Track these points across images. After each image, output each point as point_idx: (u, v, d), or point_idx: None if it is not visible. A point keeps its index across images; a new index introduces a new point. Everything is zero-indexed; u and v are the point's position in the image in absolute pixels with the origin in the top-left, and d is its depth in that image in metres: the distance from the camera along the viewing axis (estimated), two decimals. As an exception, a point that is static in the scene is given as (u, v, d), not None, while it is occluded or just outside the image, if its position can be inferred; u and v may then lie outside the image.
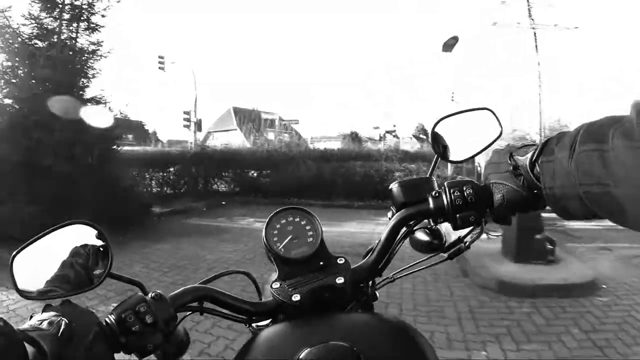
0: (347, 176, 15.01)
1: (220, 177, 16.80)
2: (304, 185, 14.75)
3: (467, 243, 0.98)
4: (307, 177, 15.04)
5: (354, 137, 18.46)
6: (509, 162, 0.87)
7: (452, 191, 0.90)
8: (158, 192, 15.22)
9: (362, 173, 15.01)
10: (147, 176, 15.39)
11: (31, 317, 0.71)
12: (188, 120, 25.67)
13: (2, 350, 0.57)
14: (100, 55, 9.53)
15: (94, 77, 9.54)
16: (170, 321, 0.80)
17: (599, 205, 0.66)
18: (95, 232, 0.86)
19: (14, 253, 0.81)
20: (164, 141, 20.01)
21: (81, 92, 9.32)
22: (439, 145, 1.04)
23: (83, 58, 9.32)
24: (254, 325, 0.95)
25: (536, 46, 17.11)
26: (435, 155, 1.04)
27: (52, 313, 0.71)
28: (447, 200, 0.90)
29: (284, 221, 1.01)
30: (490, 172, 0.91)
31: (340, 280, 0.91)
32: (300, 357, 0.70)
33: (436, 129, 1.05)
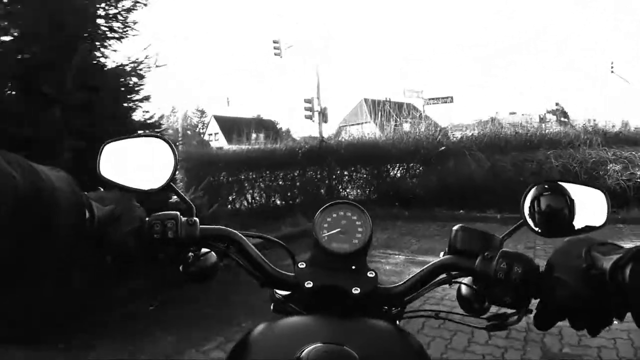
0: (539, 172, 9.49)
1: (350, 178, 11.80)
2: (473, 187, 9.71)
3: (505, 323, 0.90)
4: (476, 175, 9.98)
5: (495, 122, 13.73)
6: (583, 257, 0.75)
7: (500, 261, 0.83)
8: (261, 205, 10.90)
9: (561, 166, 9.59)
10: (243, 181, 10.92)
11: (96, 190, 0.88)
12: (310, 110, 21.55)
13: (71, 205, 0.71)
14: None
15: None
16: (191, 245, 0.94)
17: None
18: (167, 146, 1.00)
19: (105, 143, 0.99)
20: (297, 138, 17.73)
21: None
22: (532, 210, 0.94)
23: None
24: (275, 291, 1.02)
25: None
26: (521, 220, 0.94)
27: (113, 195, 0.88)
28: (493, 268, 0.84)
29: (341, 213, 1.03)
30: (557, 263, 0.79)
31: (356, 290, 0.91)
32: (304, 352, 0.70)
33: (535, 189, 0.96)
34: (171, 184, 0.99)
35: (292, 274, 0.96)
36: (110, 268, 0.88)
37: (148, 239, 0.89)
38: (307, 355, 0.68)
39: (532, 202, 0.95)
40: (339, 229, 1.00)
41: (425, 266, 0.95)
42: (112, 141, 1.01)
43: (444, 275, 0.96)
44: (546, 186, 0.96)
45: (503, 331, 0.92)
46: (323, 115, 20.68)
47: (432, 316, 1.01)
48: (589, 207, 0.95)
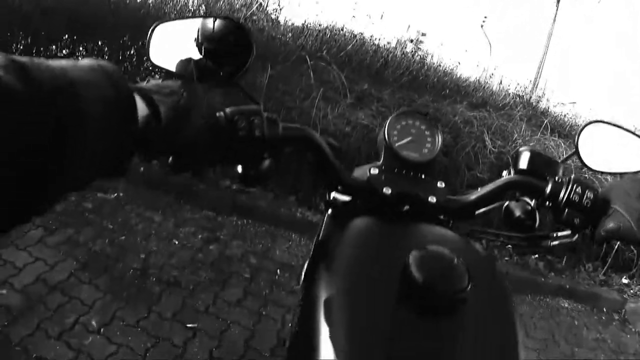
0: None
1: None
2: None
3: (553, 243, 0.99)
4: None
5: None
6: None
7: (574, 186, 0.88)
8: None
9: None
10: None
11: (148, 80, 0.72)
12: None
13: (110, 104, 0.53)
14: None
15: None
16: (272, 145, 0.82)
17: None
18: (242, 32, 0.89)
19: (154, 25, 0.87)
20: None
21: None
22: (584, 144, 1.04)
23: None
24: (333, 194, 1.00)
25: None
26: (574, 150, 1.05)
27: (174, 83, 0.72)
28: (564, 191, 0.89)
29: (410, 122, 1.04)
30: (616, 197, 0.87)
31: (432, 199, 0.93)
32: (412, 256, 0.69)
33: (587, 128, 1.06)
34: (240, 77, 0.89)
35: (364, 179, 0.96)
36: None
37: (230, 136, 0.76)
38: (419, 258, 0.68)
39: (585, 137, 1.05)
40: (410, 138, 1.02)
41: (494, 182, 0.97)
42: (163, 22, 0.91)
43: (508, 193, 1.00)
44: (597, 125, 1.06)
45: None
46: None
47: (481, 236, 1.09)
48: (630, 152, 1.06)
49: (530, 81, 9.29)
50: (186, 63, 0.85)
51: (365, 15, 7.41)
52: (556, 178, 0.91)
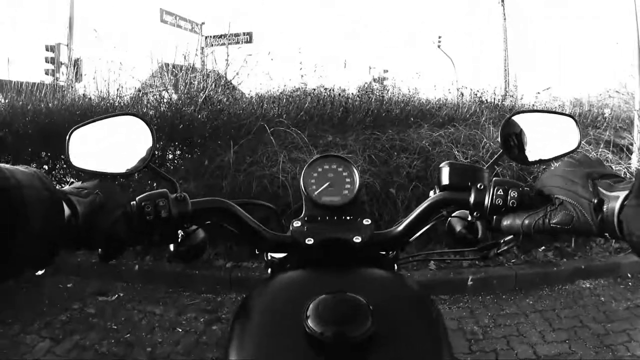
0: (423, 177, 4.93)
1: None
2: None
3: (501, 249, 0.99)
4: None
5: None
6: (590, 190, 0.77)
7: (496, 189, 0.86)
8: None
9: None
10: None
11: (71, 183, 0.80)
12: (52, 60, 14.93)
13: (44, 203, 0.62)
14: None
15: None
16: (184, 222, 0.89)
17: None
18: (144, 124, 0.99)
19: (72, 130, 0.94)
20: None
21: None
22: (509, 139, 1.03)
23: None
24: (269, 255, 1.03)
25: None
26: (501, 150, 1.04)
27: (91, 184, 0.80)
28: (488, 197, 0.86)
29: (326, 167, 1.04)
30: (556, 186, 0.82)
31: (357, 239, 0.92)
32: (311, 305, 0.70)
33: (510, 122, 1.05)
34: (150, 163, 0.98)
35: (288, 234, 0.96)
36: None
37: (139, 222, 0.83)
38: (315, 307, 0.70)
39: (507, 134, 1.04)
40: (327, 183, 1.02)
41: (419, 206, 0.95)
42: (79, 126, 0.97)
43: (439, 214, 1.00)
44: (517, 117, 1.05)
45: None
46: (75, 71, 10.10)
47: (428, 258, 1.24)
48: (560, 133, 1.05)
49: (495, 87, 9.23)
50: (104, 161, 0.97)
51: (313, 71, 7.69)
52: (478, 185, 0.89)
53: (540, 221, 0.82)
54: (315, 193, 1.01)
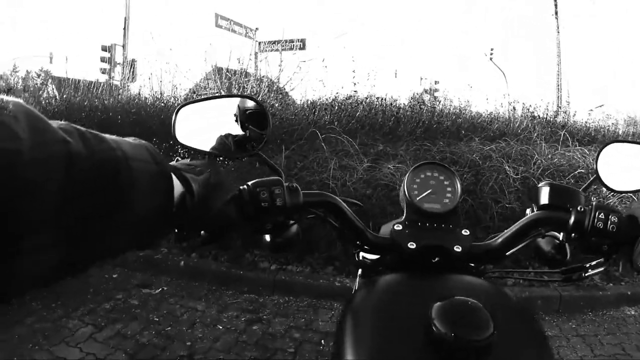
0: (474, 191, 4.71)
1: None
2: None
3: (588, 274, 0.97)
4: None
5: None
6: None
7: (597, 213, 0.88)
8: None
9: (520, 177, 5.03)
10: None
11: (177, 159, 0.77)
12: (108, 60, 15.70)
13: (153, 178, 0.59)
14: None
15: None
16: (295, 212, 0.89)
17: None
18: (259, 107, 0.98)
19: (180, 106, 0.93)
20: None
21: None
22: (603, 167, 1.04)
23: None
24: (362, 254, 1.03)
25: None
26: (595, 176, 1.05)
27: (200, 162, 0.77)
28: (588, 220, 0.88)
29: (428, 174, 1.04)
30: None
31: (458, 248, 0.92)
32: (436, 307, 0.70)
33: (605, 150, 1.05)
34: (259, 151, 0.97)
35: (387, 236, 0.97)
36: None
37: (253, 207, 0.83)
38: (443, 309, 0.70)
39: (604, 160, 1.05)
40: (429, 190, 1.02)
41: (518, 223, 0.96)
42: (188, 103, 0.96)
43: (534, 231, 0.99)
44: (614, 145, 1.06)
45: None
46: (131, 70, 10.32)
47: (511, 277, 0.37)
48: None
49: (548, 102, 9.10)
50: (224, 138, 0.96)
51: (366, 79, 7.62)
52: (578, 207, 0.90)
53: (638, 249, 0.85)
54: (417, 199, 1.01)
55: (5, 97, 0.45)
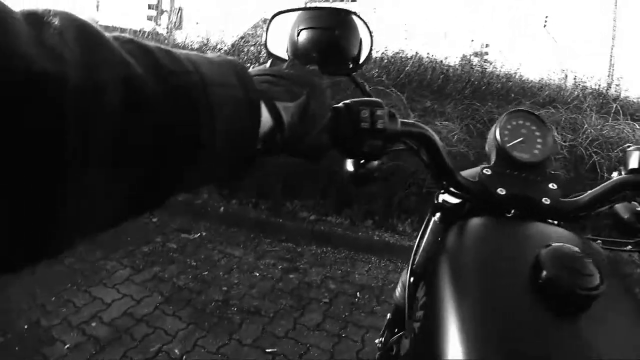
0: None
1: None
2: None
3: None
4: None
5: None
6: None
7: None
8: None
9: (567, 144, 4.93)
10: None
11: (270, 63, 0.72)
12: (155, 7, 13.63)
13: (238, 108, 0.50)
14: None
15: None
16: (392, 139, 0.83)
17: None
18: (362, 23, 0.89)
19: (274, 13, 0.89)
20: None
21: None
22: None
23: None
24: (441, 197, 1.02)
25: None
26: None
27: (298, 74, 0.67)
28: None
29: (521, 122, 1.02)
30: None
31: (546, 201, 0.90)
32: (543, 253, 0.67)
33: None
34: (353, 74, 0.93)
35: (476, 179, 0.94)
36: None
37: (351, 130, 0.77)
38: (551, 255, 0.68)
39: None
40: (521, 138, 1.00)
41: (605, 184, 0.94)
42: (284, 11, 0.93)
43: (619, 195, 0.97)
44: None
45: None
46: (178, 18, 10.04)
47: (595, 239, 1.03)
48: None
49: (600, 76, 8.77)
50: (305, 51, 0.88)
51: (420, 35, 7.39)
52: None
53: None
54: (508, 145, 0.98)
55: (52, 9, 0.38)
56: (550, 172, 0.94)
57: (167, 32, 8.84)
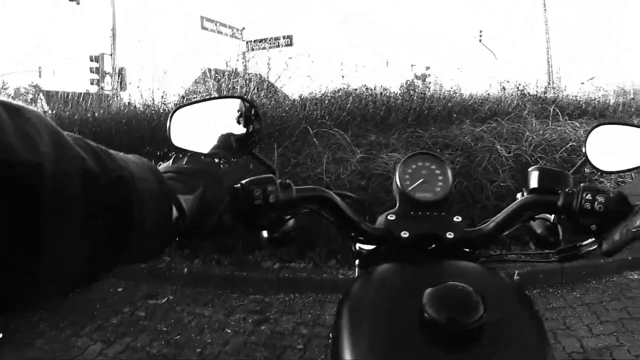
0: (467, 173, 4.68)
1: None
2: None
3: (581, 253, 0.98)
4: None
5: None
6: None
7: (584, 194, 0.89)
8: None
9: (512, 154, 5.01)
10: None
11: (173, 160, 0.79)
12: (97, 70, 15.25)
13: (155, 199, 0.60)
14: None
15: None
16: (288, 208, 0.91)
17: None
18: (250, 108, 0.98)
19: (174, 109, 0.96)
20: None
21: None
22: (591, 149, 1.04)
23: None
24: (358, 245, 1.06)
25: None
26: (584, 159, 1.05)
27: (195, 168, 0.77)
28: (576, 201, 0.90)
29: (420, 163, 1.07)
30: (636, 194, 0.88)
31: (450, 235, 0.95)
32: (428, 292, 0.72)
33: (593, 132, 1.05)
34: (253, 149, 0.98)
35: (382, 226, 0.99)
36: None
37: (247, 207, 0.85)
38: (433, 294, 0.71)
39: (592, 142, 1.04)
40: (422, 180, 1.04)
41: (509, 207, 0.98)
42: (182, 106, 0.98)
43: (525, 215, 1.00)
44: (602, 128, 1.07)
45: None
46: (120, 79, 10.58)
47: (507, 259, 1.13)
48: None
49: (537, 79, 9.18)
50: (219, 139, 0.97)
51: (354, 71, 7.66)
52: (567, 190, 0.92)
53: (623, 227, 0.86)
54: (410, 188, 1.03)
55: (26, 106, 0.45)
56: (454, 206, 1.03)
57: (113, 94, 8.86)
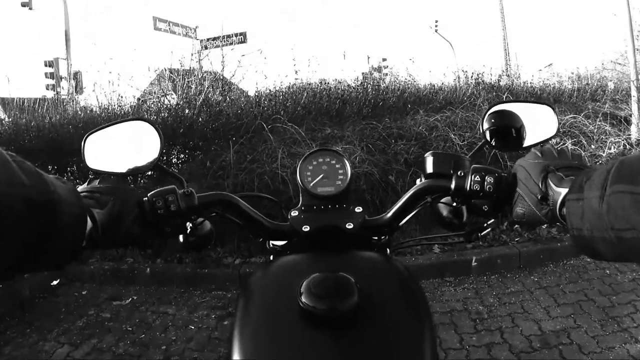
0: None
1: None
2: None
3: (482, 234, 1.03)
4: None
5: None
6: (540, 186, 0.83)
7: (474, 175, 0.91)
8: None
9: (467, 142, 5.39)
10: None
11: (89, 181, 0.90)
12: (52, 75, 14.92)
13: (73, 218, 0.69)
14: None
15: None
16: (191, 214, 0.98)
17: (632, 251, 0.61)
18: (152, 128, 1.05)
19: (86, 135, 1.03)
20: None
21: None
22: (490, 130, 1.04)
23: None
24: (271, 243, 1.09)
25: None
26: (483, 141, 1.05)
27: (105, 187, 0.88)
28: (467, 183, 0.91)
29: (320, 160, 1.12)
30: (519, 180, 0.88)
31: (349, 225, 1.00)
32: (304, 282, 0.78)
33: (489, 114, 1.05)
34: (158, 162, 1.05)
35: (287, 223, 1.04)
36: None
37: (152, 216, 0.92)
38: (307, 284, 0.77)
39: (489, 124, 1.04)
40: (322, 175, 1.10)
41: (405, 194, 1.01)
42: (94, 132, 1.05)
43: (425, 200, 1.04)
44: (497, 107, 1.07)
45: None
46: (76, 82, 10.68)
47: (417, 244, 1.25)
48: (539, 121, 1.08)
49: (491, 67, 9.28)
50: (117, 161, 1.03)
51: (307, 65, 7.64)
52: (459, 173, 0.94)
53: (507, 213, 0.92)
54: (311, 184, 1.09)
55: None
56: (355, 198, 1.08)
57: (69, 98, 8.75)
